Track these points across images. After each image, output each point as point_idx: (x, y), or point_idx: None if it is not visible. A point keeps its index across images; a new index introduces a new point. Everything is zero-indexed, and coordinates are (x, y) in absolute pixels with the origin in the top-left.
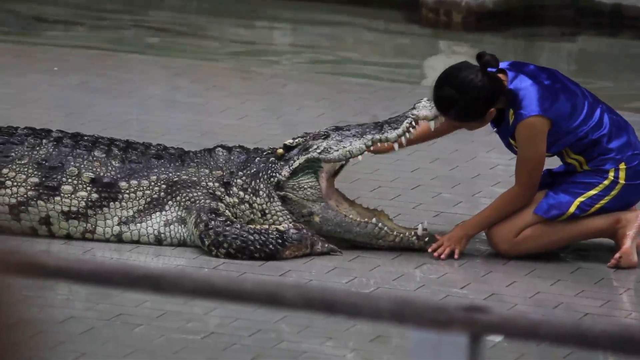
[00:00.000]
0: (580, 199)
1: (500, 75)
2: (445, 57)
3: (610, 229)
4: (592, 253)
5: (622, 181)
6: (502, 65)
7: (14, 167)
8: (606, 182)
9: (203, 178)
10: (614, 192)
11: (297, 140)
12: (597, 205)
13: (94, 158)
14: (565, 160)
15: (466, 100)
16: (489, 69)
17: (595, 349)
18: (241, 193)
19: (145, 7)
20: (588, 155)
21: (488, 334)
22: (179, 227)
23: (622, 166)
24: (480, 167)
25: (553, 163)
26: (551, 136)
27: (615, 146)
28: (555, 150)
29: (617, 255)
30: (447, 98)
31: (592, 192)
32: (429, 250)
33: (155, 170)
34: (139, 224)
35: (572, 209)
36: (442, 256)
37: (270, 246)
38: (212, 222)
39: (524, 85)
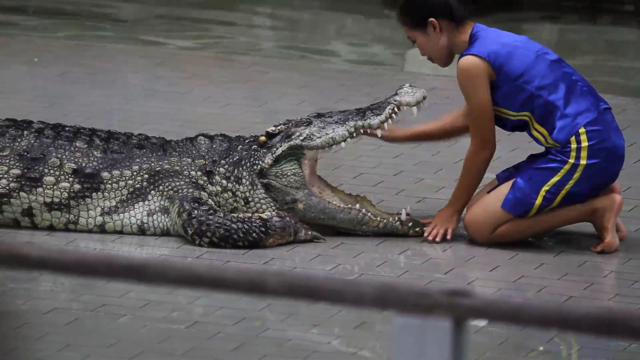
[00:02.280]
0: (545, 187)
1: (467, 24)
2: None
3: (587, 219)
4: (575, 237)
5: (583, 162)
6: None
7: None
8: (567, 167)
9: (185, 167)
10: (576, 175)
11: (279, 127)
12: (563, 192)
13: (76, 149)
14: (532, 133)
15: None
16: None
17: (578, 332)
18: (224, 181)
19: None
20: (549, 126)
21: (471, 318)
22: (162, 216)
23: (584, 142)
24: (462, 153)
25: (534, 148)
26: (499, 87)
27: (572, 111)
28: (509, 107)
29: (599, 247)
30: (404, 5)
31: (555, 178)
32: (425, 235)
33: (138, 160)
34: (122, 214)
35: (538, 200)
36: (437, 238)
37: (254, 234)
38: (195, 211)
39: (483, 33)
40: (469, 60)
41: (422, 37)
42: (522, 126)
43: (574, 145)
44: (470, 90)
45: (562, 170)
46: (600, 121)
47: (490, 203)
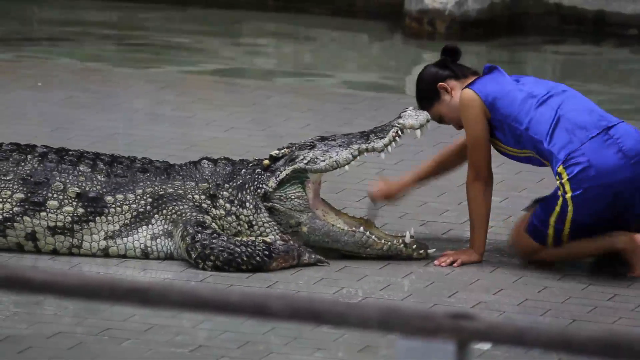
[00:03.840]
0: (552, 219)
1: (470, 76)
2: None
3: (627, 248)
4: (578, 260)
5: (569, 194)
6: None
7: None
8: (560, 200)
9: (189, 191)
10: (570, 207)
11: (283, 151)
12: (567, 223)
13: (80, 173)
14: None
15: (419, 82)
16: (447, 57)
17: (581, 355)
18: (228, 205)
19: (129, 22)
20: (548, 162)
21: (475, 341)
22: (166, 240)
23: (565, 177)
24: (465, 176)
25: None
26: (496, 126)
27: (555, 148)
28: (511, 145)
29: (635, 273)
30: (416, 91)
31: (556, 210)
32: (435, 262)
33: (141, 184)
34: (125, 238)
35: (550, 230)
36: (444, 264)
37: (257, 258)
38: (199, 235)
39: (486, 75)
40: (466, 93)
41: (442, 107)
42: (541, 161)
43: (558, 181)
44: (467, 122)
45: (559, 202)
46: (584, 150)
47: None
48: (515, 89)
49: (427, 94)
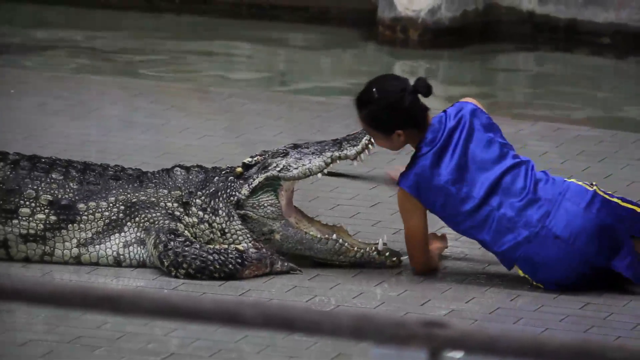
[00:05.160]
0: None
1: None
2: (402, 74)
3: None
4: None
5: (533, 282)
6: (453, 108)
7: None
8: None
9: (162, 198)
10: (540, 285)
11: (255, 158)
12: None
13: (52, 180)
14: None
15: (379, 105)
16: (419, 94)
17: None
18: (200, 213)
19: (102, 29)
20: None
21: (448, 349)
22: (138, 248)
23: (521, 274)
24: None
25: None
26: (433, 209)
27: (499, 249)
28: (453, 228)
29: None
30: (367, 95)
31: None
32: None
33: (114, 192)
34: (97, 246)
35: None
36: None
37: (230, 266)
38: (171, 243)
39: (431, 136)
40: (400, 194)
41: (382, 140)
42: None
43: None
44: (402, 217)
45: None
46: (530, 248)
47: None
48: (443, 180)
49: (379, 127)
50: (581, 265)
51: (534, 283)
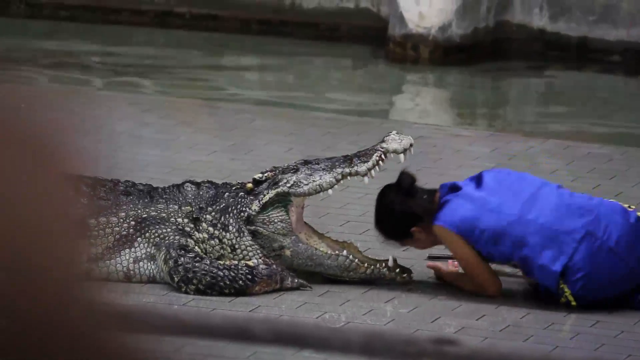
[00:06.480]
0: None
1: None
2: (413, 91)
3: None
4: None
5: (573, 303)
6: (465, 181)
7: None
8: (562, 300)
9: (172, 214)
10: (574, 303)
11: (266, 174)
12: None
13: None
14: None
15: (381, 223)
16: (408, 188)
17: None
18: (210, 229)
19: (113, 45)
20: (533, 276)
21: None
22: (149, 263)
23: (567, 292)
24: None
25: None
26: (476, 245)
27: (546, 261)
28: (494, 260)
29: None
30: (378, 222)
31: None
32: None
33: (124, 207)
34: (107, 261)
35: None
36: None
37: (240, 282)
38: (182, 259)
39: (452, 199)
40: (439, 230)
41: (412, 243)
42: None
43: (560, 293)
44: (451, 250)
45: (561, 300)
46: (576, 261)
47: None
48: (487, 208)
49: (400, 236)
50: (626, 281)
51: (566, 297)
